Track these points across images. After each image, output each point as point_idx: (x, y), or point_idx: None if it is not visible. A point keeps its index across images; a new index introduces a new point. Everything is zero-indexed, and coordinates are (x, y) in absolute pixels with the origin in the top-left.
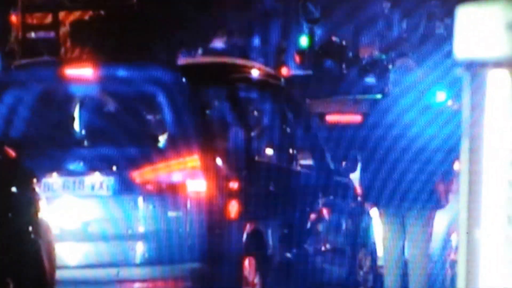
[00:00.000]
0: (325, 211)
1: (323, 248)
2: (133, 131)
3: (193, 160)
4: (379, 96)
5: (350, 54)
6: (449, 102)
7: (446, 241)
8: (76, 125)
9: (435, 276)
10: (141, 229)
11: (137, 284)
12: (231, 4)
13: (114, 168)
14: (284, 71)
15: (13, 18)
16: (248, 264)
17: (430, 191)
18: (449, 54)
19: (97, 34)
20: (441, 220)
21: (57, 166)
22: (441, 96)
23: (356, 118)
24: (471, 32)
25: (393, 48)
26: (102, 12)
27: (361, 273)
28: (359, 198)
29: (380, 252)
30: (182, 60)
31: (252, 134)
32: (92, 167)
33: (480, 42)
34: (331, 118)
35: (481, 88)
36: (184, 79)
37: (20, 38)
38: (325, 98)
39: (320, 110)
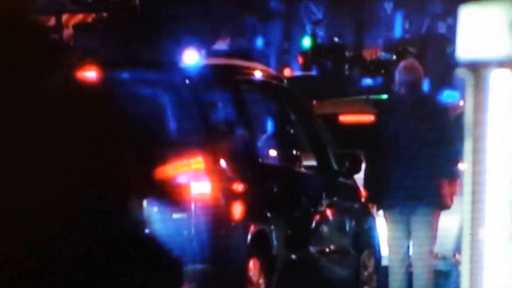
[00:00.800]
0: (329, 212)
1: (327, 249)
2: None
3: (198, 162)
4: (385, 96)
5: (353, 54)
6: (460, 102)
7: (458, 241)
8: None
9: (443, 275)
10: (145, 231)
11: None
12: (234, 6)
13: None
14: (287, 72)
15: None
16: (252, 265)
17: (435, 191)
18: (452, 54)
19: (100, 36)
20: (453, 219)
21: None
22: (451, 96)
23: (370, 118)
24: (473, 32)
25: (396, 48)
26: (104, 15)
27: (365, 273)
28: (363, 199)
29: (384, 252)
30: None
31: (256, 135)
32: None
33: (482, 42)
34: (345, 118)
35: (484, 88)
36: (188, 81)
37: None
38: (336, 99)
39: (330, 110)
